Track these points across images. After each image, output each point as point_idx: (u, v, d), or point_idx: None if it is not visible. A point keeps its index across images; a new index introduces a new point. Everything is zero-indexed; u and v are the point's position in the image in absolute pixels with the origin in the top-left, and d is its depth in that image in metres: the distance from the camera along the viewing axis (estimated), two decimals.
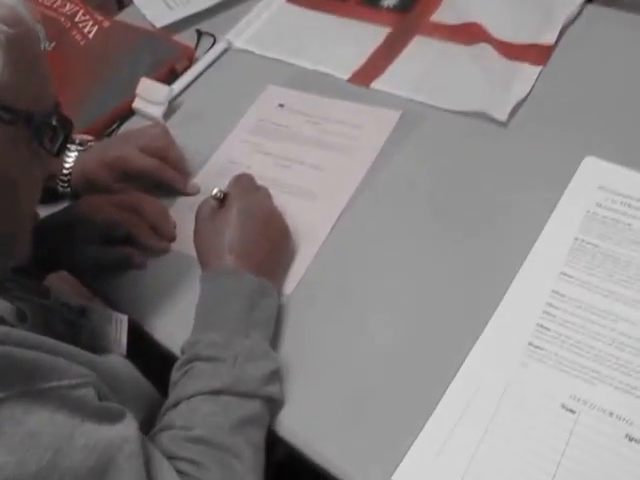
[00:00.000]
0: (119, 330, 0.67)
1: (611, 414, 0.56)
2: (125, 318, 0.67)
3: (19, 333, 0.49)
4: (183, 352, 0.61)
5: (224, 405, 0.56)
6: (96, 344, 0.64)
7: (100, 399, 0.50)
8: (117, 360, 0.62)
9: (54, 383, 0.47)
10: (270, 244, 0.67)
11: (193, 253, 0.71)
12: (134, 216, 0.73)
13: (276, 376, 0.60)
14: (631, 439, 0.55)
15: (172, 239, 0.76)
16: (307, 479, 0.77)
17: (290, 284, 0.69)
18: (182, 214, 0.77)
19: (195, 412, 0.56)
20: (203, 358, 0.58)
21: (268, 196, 0.71)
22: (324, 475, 0.58)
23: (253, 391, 0.57)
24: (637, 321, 0.61)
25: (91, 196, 0.76)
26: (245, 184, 0.71)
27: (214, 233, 0.66)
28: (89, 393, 0.49)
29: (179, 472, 0.52)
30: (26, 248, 0.58)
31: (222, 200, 0.68)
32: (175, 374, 0.60)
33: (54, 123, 0.54)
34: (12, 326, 0.51)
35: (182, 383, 0.58)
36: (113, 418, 0.50)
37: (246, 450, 0.55)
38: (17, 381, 0.45)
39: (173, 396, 0.58)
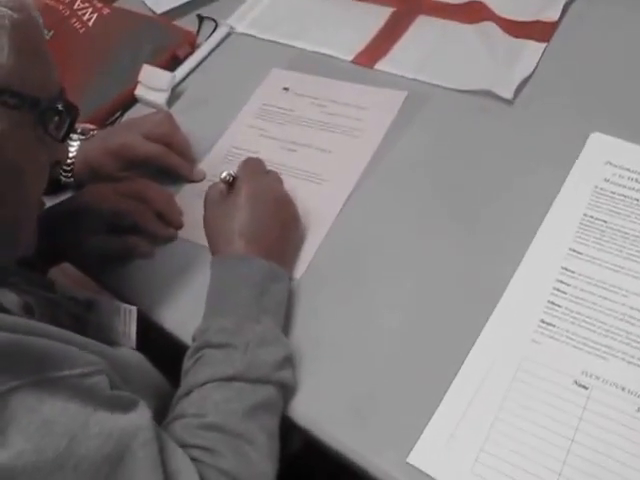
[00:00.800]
0: (128, 322, 0.67)
1: (623, 389, 0.57)
2: (134, 309, 0.67)
3: (28, 322, 0.49)
4: (194, 340, 0.61)
5: (237, 391, 0.56)
6: (104, 337, 0.63)
7: (112, 388, 0.50)
8: (127, 351, 0.62)
9: (66, 372, 0.47)
10: (280, 228, 0.67)
11: (200, 240, 0.71)
12: (140, 204, 0.73)
13: (288, 362, 0.60)
14: None
15: (179, 226, 0.75)
16: (320, 474, 0.78)
17: (300, 268, 0.69)
18: (188, 201, 0.77)
19: (207, 399, 0.56)
20: (214, 345, 0.58)
21: (278, 180, 0.71)
22: (339, 462, 0.58)
23: (266, 377, 0.57)
24: None
25: (95, 185, 0.75)
26: (254, 167, 0.71)
27: (223, 217, 0.66)
28: (101, 381, 0.49)
29: (193, 459, 0.52)
30: (32, 237, 0.57)
31: (231, 184, 0.67)
32: (187, 362, 0.60)
33: (60, 108, 0.54)
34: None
35: (193, 371, 0.58)
36: (126, 407, 0.50)
37: (260, 436, 0.55)
38: (29, 369, 0.45)
39: (185, 384, 0.58)
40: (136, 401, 0.51)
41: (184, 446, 0.53)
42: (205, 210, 0.69)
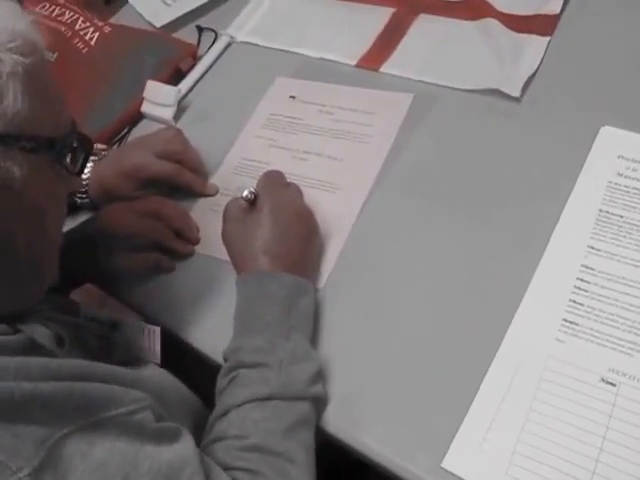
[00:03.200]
0: (152, 341, 0.67)
1: None
2: (158, 329, 0.67)
3: (72, 364, 0.49)
4: (226, 359, 0.61)
5: (274, 410, 0.57)
6: (130, 356, 0.65)
7: (156, 420, 0.51)
8: (159, 372, 0.63)
9: (112, 412, 0.48)
10: (303, 242, 0.67)
11: (217, 254, 0.72)
12: (157, 222, 0.74)
13: (319, 376, 0.61)
14: None
15: (196, 242, 0.76)
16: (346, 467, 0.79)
17: (320, 278, 0.70)
18: (203, 216, 0.78)
19: (246, 420, 0.56)
20: (248, 365, 0.59)
21: (298, 192, 0.71)
22: (374, 469, 0.59)
23: (301, 393, 0.58)
24: None
25: (111, 206, 0.75)
26: (275, 181, 0.71)
27: (246, 234, 0.66)
28: (147, 416, 0.50)
29: None
30: (55, 268, 0.58)
31: (252, 201, 0.68)
32: (221, 382, 0.60)
33: (74, 144, 0.54)
34: (52, 354, 0.52)
35: (229, 391, 0.59)
36: (171, 438, 0.51)
37: (299, 453, 0.56)
38: (78, 415, 0.46)
39: (221, 405, 0.59)
40: (179, 431, 0.52)
41: (227, 469, 0.54)
42: (225, 226, 0.69)
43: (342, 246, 0.72)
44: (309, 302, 0.64)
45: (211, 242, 0.74)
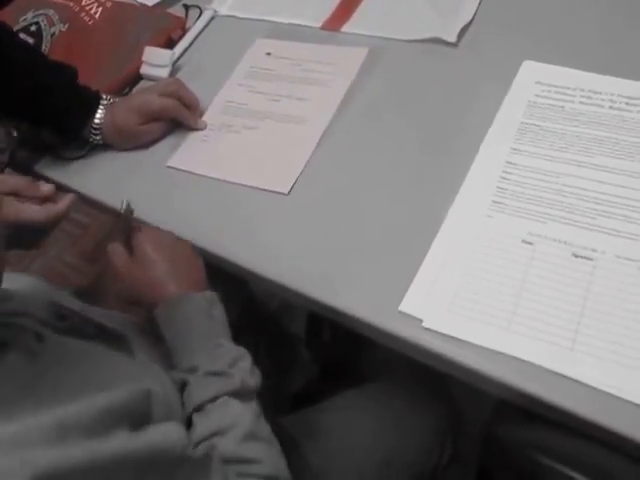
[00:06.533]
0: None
1: (559, 241, 0.73)
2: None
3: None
4: (185, 383, 0.67)
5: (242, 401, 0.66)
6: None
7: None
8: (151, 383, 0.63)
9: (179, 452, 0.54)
10: (188, 262, 0.76)
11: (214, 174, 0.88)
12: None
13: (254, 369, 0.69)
14: (576, 256, 0.71)
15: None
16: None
17: (287, 184, 0.86)
18: (195, 144, 0.94)
19: (227, 413, 0.65)
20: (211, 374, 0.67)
21: (156, 231, 0.80)
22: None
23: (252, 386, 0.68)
24: (575, 174, 0.78)
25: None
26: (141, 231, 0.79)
27: (144, 271, 0.73)
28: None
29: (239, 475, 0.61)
30: None
31: (130, 247, 0.76)
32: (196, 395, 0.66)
33: None
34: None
35: (197, 392, 0.66)
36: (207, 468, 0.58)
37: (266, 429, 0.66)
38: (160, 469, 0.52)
39: (190, 404, 0.66)
40: (209, 458, 0.59)
41: (228, 462, 0.61)
42: (121, 275, 0.75)
43: (305, 161, 0.87)
44: (220, 308, 0.72)
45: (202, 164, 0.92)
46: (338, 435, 0.84)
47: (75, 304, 0.76)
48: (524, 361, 0.66)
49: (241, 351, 0.70)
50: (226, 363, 0.67)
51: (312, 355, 1.13)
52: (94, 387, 0.53)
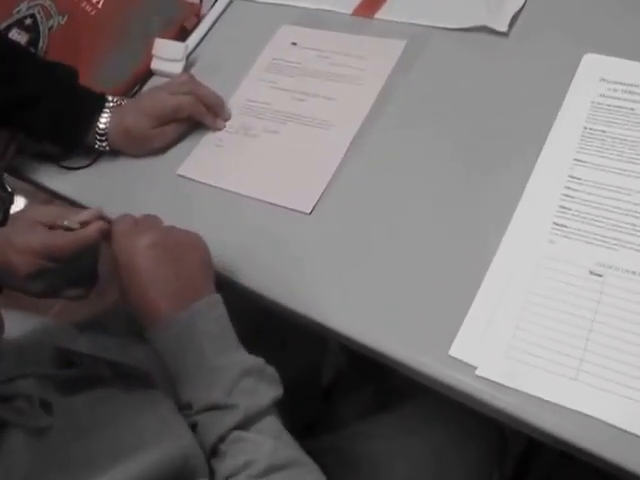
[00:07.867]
0: None
1: (633, 272, 0.63)
2: None
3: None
4: (190, 407, 0.60)
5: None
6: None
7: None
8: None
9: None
10: (176, 265, 0.63)
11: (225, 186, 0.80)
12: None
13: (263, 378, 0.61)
14: None
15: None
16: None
17: (309, 203, 0.75)
18: (209, 150, 0.85)
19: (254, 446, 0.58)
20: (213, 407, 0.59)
21: (150, 225, 0.67)
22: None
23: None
24: None
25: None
26: (124, 230, 0.67)
27: (128, 285, 0.64)
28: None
29: None
30: None
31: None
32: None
33: None
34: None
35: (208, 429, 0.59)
36: None
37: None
38: None
39: (208, 440, 0.59)
40: None
41: None
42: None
43: (331, 174, 0.77)
44: (222, 313, 0.63)
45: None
46: (381, 465, 0.76)
47: (83, 344, 0.68)
48: (593, 418, 0.57)
49: (246, 363, 0.61)
50: (225, 390, 0.58)
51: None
52: (119, 455, 0.50)
